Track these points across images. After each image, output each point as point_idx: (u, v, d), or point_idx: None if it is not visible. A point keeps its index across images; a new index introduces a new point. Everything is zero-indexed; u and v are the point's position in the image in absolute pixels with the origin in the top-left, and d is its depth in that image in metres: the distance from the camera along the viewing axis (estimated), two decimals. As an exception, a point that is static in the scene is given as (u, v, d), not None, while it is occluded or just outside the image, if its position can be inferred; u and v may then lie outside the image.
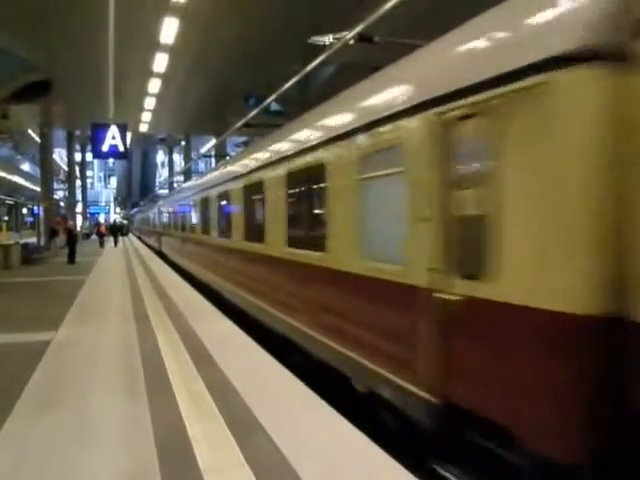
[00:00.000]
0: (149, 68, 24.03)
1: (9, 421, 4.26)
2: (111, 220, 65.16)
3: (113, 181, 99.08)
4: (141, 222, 50.12)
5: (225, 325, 8.20)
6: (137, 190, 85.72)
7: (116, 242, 35.09)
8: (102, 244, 33.80)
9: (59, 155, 56.04)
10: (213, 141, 42.75)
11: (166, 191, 47.57)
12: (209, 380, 5.29)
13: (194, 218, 16.57)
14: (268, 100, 14.06)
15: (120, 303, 10.40)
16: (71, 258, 21.09)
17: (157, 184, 78.27)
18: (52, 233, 26.82)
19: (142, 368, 5.79)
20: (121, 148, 19.20)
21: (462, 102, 3.62)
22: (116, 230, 38.13)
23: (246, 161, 10.41)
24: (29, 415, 4.43)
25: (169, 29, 19.15)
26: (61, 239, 28.12)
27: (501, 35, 3.62)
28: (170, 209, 23.77)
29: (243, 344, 6.92)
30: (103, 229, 37.45)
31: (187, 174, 45.12)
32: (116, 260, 22.61)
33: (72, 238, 21.74)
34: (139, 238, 48.07)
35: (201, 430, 4.01)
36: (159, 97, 29.77)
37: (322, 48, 9.63)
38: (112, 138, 18.90)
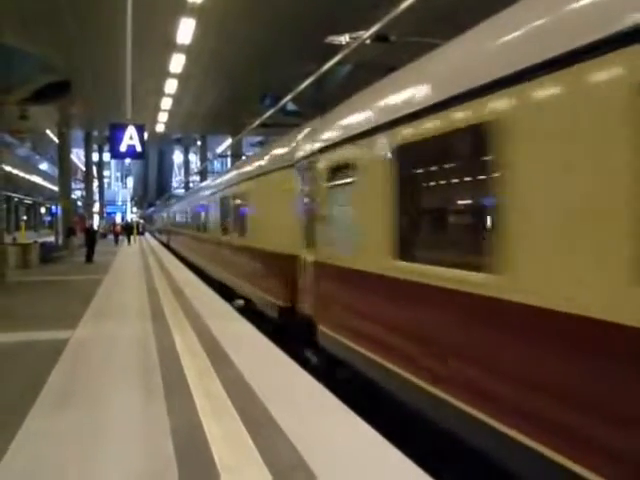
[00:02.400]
0: (166, 68, 24.17)
1: (28, 419, 4.31)
2: (128, 219, 65.89)
3: (130, 181, 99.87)
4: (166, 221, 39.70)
5: (241, 325, 8.22)
6: (153, 190, 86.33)
7: (129, 240, 38.64)
8: (117, 242, 37.60)
9: (77, 155, 56.63)
10: (229, 141, 42.92)
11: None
12: (226, 379, 5.31)
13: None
14: (284, 100, 14.08)
15: (137, 302, 10.48)
16: (89, 257, 21.31)
17: (173, 184, 78.78)
18: (69, 232, 27.08)
19: (159, 366, 5.83)
20: (138, 148, 19.30)
21: None
22: (129, 229, 42.13)
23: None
24: (48, 413, 4.48)
25: (186, 29, 19.23)
26: (78, 238, 28.41)
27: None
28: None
29: (259, 344, 6.93)
30: (119, 229, 41.43)
31: (203, 174, 45.43)
32: (132, 259, 22.80)
33: (91, 237, 21.95)
34: (167, 245, 35.93)
35: (218, 428, 4.03)
36: (176, 97, 29.93)
37: (338, 48, 9.63)
38: (130, 138, 19.00)
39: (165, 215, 41.64)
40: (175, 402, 4.65)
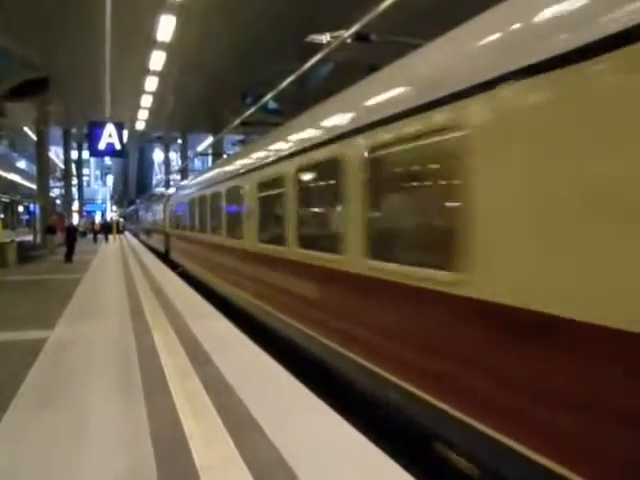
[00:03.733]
0: (146, 66, 23.95)
1: (5, 419, 4.26)
2: (107, 218, 65.26)
3: (110, 179, 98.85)
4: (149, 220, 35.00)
5: (222, 324, 8.20)
6: (133, 188, 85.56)
7: (107, 238, 38.82)
8: (96, 241, 37.84)
9: (55, 153, 55.92)
10: (210, 139, 42.70)
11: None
12: (205, 378, 5.30)
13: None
14: (265, 98, 14.05)
15: (116, 301, 10.39)
16: (68, 256, 20.94)
17: (154, 182, 78.14)
18: (49, 230, 26.68)
19: (138, 366, 5.80)
20: (117, 146, 19.17)
21: None
22: (108, 228, 42.29)
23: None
24: (26, 413, 4.43)
25: (166, 27, 19.09)
26: (59, 237, 28.05)
27: None
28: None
29: (240, 343, 6.92)
30: (97, 227, 42.56)
31: (184, 173, 45.15)
32: (112, 258, 22.59)
33: (71, 236, 21.60)
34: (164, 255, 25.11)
35: (197, 428, 4.02)
36: (156, 95, 29.68)
37: (319, 46, 9.63)
38: (109, 136, 18.87)
39: (159, 212, 28.45)
40: (154, 401, 4.63)
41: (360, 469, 3.35)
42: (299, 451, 3.58)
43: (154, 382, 5.21)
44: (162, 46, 21.25)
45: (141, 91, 28.80)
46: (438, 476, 4.16)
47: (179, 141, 51.27)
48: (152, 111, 34.11)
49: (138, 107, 32.98)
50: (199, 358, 6.07)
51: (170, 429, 4.01)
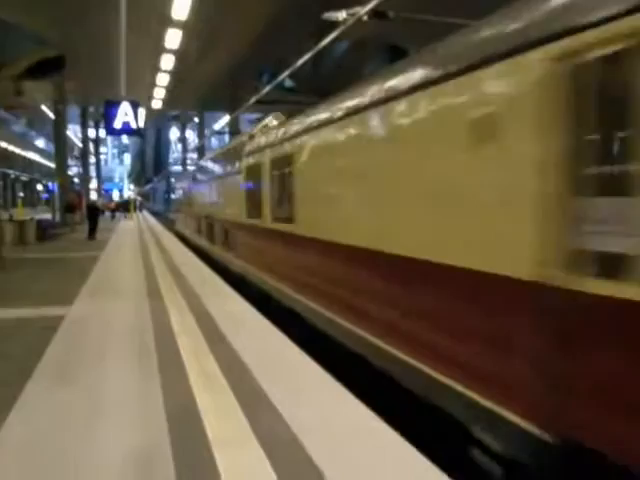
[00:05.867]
0: (162, 44, 23.91)
1: (24, 394, 4.35)
2: (125, 196, 65.97)
3: (127, 158, 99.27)
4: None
5: (238, 304, 8.25)
6: (151, 167, 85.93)
7: (126, 216, 41.91)
8: (113, 217, 41.10)
9: (73, 132, 56.19)
10: (226, 118, 42.61)
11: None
12: (221, 357, 5.35)
13: None
14: (281, 76, 13.96)
15: (134, 280, 10.50)
16: (91, 234, 21.18)
17: (171, 161, 78.35)
18: (69, 209, 26.90)
19: (154, 344, 5.87)
20: (133, 125, 19.21)
21: None
22: (126, 206, 45.67)
23: None
24: (44, 389, 4.52)
25: (182, 4, 19.00)
26: (78, 215, 28.31)
27: None
28: None
29: (256, 323, 6.97)
30: (113, 205, 45.47)
31: (201, 151, 45.21)
32: (129, 236, 22.79)
33: (94, 214, 21.77)
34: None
35: (211, 404, 4.08)
36: (172, 74, 29.66)
37: (336, 24, 9.52)
38: (125, 115, 18.92)
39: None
40: (169, 378, 4.69)
41: (372, 447, 3.37)
42: (312, 430, 3.62)
43: (170, 359, 5.28)
44: (178, 24, 21.17)
45: (157, 69, 28.79)
46: (455, 463, 4.18)
47: (196, 119, 51.24)
48: (169, 89, 34.12)
49: (154, 85, 33.00)
50: (215, 337, 6.13)
51: (184, 405, 4.07)
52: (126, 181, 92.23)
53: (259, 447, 3.37)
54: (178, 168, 56.30)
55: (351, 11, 9.26)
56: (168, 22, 20.85)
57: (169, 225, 32.08)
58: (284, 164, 8.19)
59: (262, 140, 9.92)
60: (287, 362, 5.18)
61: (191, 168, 27.89)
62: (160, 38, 22.90)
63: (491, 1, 4.21)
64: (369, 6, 8.09)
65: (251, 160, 10.52)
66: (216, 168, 15.13)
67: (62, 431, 3.69)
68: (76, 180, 50.01)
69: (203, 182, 17.34)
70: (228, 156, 13.53)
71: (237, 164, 11.99)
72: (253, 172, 10.31)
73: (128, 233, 25.37)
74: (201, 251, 17.18)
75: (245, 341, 5.89)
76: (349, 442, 3.44)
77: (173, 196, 43.70)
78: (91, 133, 48.15)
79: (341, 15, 9.45)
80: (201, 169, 18.50)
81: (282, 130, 8.58)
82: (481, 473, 3.85)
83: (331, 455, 3.27)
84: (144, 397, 4.27)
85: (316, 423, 3.73)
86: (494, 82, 3.58)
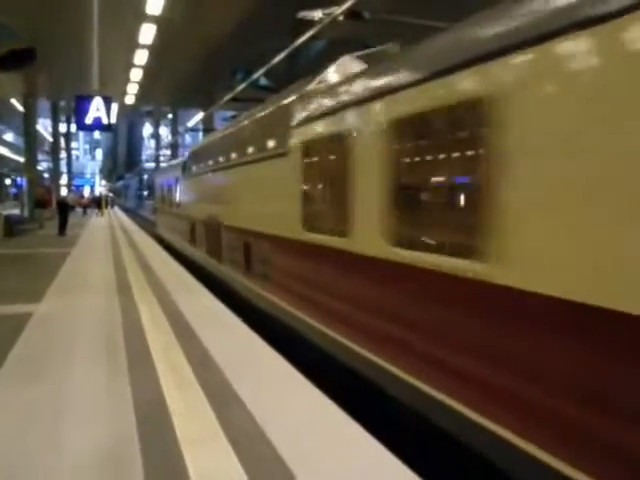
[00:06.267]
0: (136, 39, 23.62)
1: (-11, 391, 4.28)
2: (96, 193, 65.15)
3: (99, 153, 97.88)
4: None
5: (208, 300, 8.22)
6: (123, 163, 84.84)
7: (101, 213, 40.84)
8: (85, 213, 40.56)
9: (43, 126, 55.17)
10: (200, 115, 42.30)
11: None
12: (190, 353, 5.33)
13: None
14: (256, 75, 13.93)
15: (104, 276, 10.38)
16: (62, 230, 20.90)
17: (144, 157, 77.46)
18: (39, 205, 26.39)
19: (123, 341, 5.82)
20: (105, 120, 18.96)
21: None
22: (99, 202, 44.72)
23: None
24: (10, 387, 4.45)
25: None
26: (49, 211, 27.82)
27: None
28: None
29: (225, 319, 6.95)
30: (85, 201, 44.90)
31: (174, 148, 44.80)
32: (100, 232, 22.48)
33: (64, 210, 21.50)
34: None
35: (180, 401, 4.06)
36: (146, 69, 29.31)
37: (311, 23, 9.53)
38: (96, 110, 18.66)
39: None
40: (138, 375, 4.66)
41: (340, 443, 3.40)
42: (280, 425, 3.63)
43: (139, 356, 5.24)
44: (152, 19, 20.94)
45: (130, 64, 28.41)
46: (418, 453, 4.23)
47: (169, 116, 50.72)
48: (142, 85, 33.70)
49: (128, 81, 32.56)
50: (184, 333, 6.10)
51: (153, 403, 4.05)
52: (98, 177, 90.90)
53: (227, 444, 3.38)
54: (152, 165, 55.74)
55: (327, 10, 9.28)
56: (142, 17, 20.61)
57: (148, 227, 27.17)
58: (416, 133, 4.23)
59: (345, 93, 5.44)
60: (254, 356, 5.18)
61: (182, 157, 19.14)
62: (134, 33, 22.63)
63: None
64: (345, 6, 8.12)
65: (318, 131, 6.04)
66: (226, 152, 10.49)
67: (27, 431, 3.64)
68: (46, 175, 49.14)
69: (203, 174, 12.70)
70: (251, 131, 9.14)
71: (272, 142, 7.66)
72: (324, 152, 5.99)
73: (99, 229, 25.02)
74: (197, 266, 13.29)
75: (213, 336, 5.88)
76: (315, 437, 3.47)
77: (157, 193, 38.34)
78: (62, 128, 47.31)
79: (317, 14, 9.46)
80: (198, 156, 13.81)
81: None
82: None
83: (298, 450, 3.29)
84: (112, 394, 4.24)
85: (283, 418, 3.74)
86: None
